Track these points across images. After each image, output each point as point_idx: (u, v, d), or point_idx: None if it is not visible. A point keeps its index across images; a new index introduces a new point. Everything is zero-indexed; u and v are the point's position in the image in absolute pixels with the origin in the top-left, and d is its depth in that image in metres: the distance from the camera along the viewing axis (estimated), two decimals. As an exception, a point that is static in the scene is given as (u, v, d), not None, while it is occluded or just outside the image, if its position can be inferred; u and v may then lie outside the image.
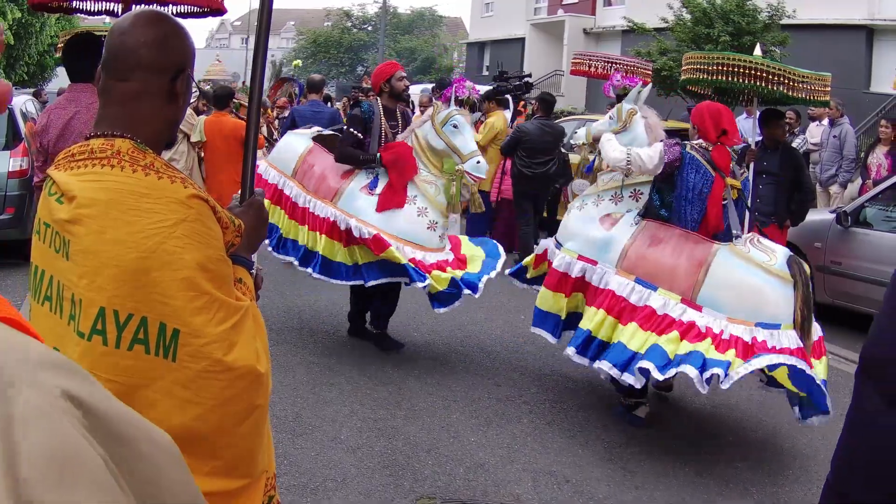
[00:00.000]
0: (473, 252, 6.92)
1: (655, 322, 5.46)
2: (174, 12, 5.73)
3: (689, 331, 5.36)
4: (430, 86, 16.97)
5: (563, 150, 12.13)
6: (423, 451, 5.32)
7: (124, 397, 1.83)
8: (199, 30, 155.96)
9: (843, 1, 25.14)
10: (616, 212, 6.06)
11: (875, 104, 22.24)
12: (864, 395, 1.17)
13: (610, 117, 6.37)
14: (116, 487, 0.75)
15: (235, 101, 12.66)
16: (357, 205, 6.64)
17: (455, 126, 6.50)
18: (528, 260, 6.72)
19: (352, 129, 6.84)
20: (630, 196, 6.06)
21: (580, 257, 6.01)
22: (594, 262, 5.95)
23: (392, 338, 7.30)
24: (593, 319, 5.73)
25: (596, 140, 6.33)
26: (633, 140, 6.11)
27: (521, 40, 39.53)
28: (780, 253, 5.68)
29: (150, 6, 5.83)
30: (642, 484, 5.10)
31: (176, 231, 1.92)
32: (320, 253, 6.67)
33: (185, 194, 1.97)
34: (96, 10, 6.32)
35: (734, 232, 6.15)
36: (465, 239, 7.12)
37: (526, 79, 14.10)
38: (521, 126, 11.21)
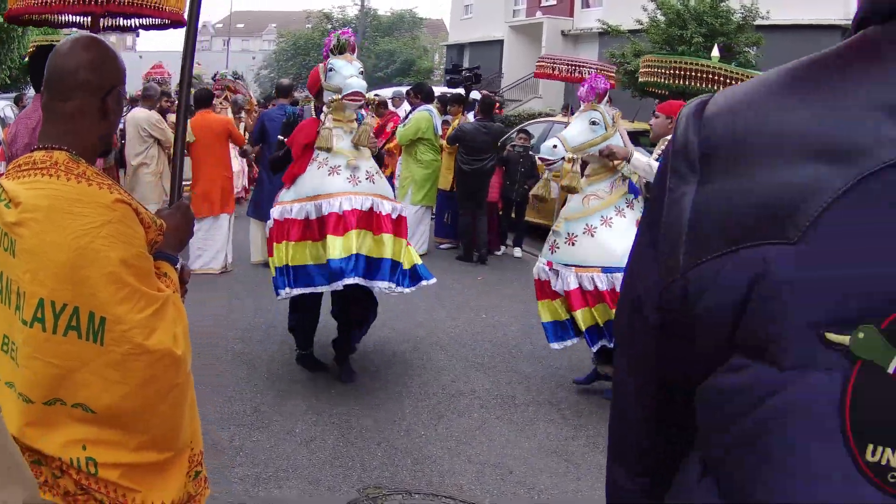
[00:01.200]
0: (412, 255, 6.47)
1: None
2: (137, 24, 5.96)
3: None
4: (403, 88, 17.17)
5: (531, 153, 12.40)
6: (373, 443, 5.53)
7: (63, 379, 2.20)
8: (180, 33, 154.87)
9: (818, 1, 25.33)
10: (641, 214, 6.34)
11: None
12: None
13: (593, 122, 6.24)
14: None
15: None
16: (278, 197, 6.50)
17: (331, 69, 6.26)
18: (548, 314, 6.47)
19: (280, 137, 6.85)
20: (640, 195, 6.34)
21: None
22: None
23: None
24: None
25: (577, 151, 6.24)
26: (616, 144, 6.23)
27: (500, 42, 39.68)
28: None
29: (116, 19, 6.06)
30: (584, 475, 5.29)
31: (102, 232, 2.18)
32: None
33: (110, 199, 2.24)
34: (65, 21, 6.56)
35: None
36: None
37: (475, 71, 14.57)
38: (461, 126, 11.86)
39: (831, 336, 0.88)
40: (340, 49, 6.30)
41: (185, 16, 5.91)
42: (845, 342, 0.87)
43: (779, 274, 0.90)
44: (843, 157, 0.89)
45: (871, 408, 0.87)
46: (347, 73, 6.19)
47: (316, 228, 6.09)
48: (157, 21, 6.01)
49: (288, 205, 6.20)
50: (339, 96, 6.15)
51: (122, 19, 6.08)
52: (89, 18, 6.09)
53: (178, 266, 2.57)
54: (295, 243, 6.13)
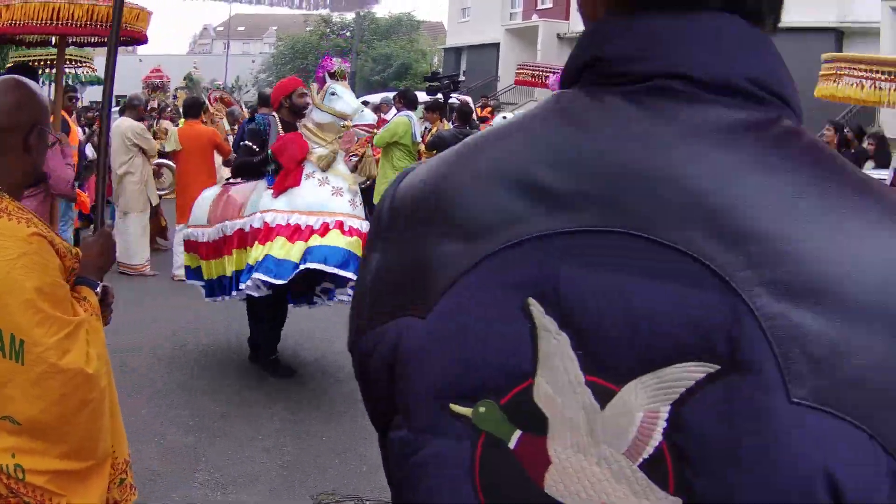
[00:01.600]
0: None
1: None
2: (96, 41, 6.16)
3: None
4: (390, 94, 17.31)
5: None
6: (333, 451, 5.68)
7: None
8: (181, 36, 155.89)
9: (814, 3, 25.29)
10: None
11: (845, 105, 22.47)
12: None
13: None
14: None
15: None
16: (260, 203, 6.63)
17: (334, 94, 6.60)
18: None
19: (248, 143, 6.98)
20: None
21: None
22: None
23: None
24: None
25: None
26: None
27: (497, 45, 39.69)
28: None
29: (80, 37, 6.25)
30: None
31: (18, 263, 2.41)
32: (234, 269, 6.72)
33: (27, 233, 2.46)
34: (32, 41, 6.80)
35: None
36: None
37: (453, 77, 14.81)
38: (439, 132, 11.95)
39: (455, 407, 0.92)
40: (340, 75, 6.74)
41: (146, 33, 6.15)
42: (468, 414, 0.91)
43: (410, 346, 0.96)
44: (473, 234, 0.92)
45: (497, 481, 0.91)
46: (355, 102, 6.73)
47: (307, 232, 6.32)
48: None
49: (284, 214, 6.41)
50: (351, 123, 6.71)
51: (85, 38, 6.28)
52: (56, 38, 6.25)
53: (99, 290, 2.76)
54: (281, 242, 6.31)
